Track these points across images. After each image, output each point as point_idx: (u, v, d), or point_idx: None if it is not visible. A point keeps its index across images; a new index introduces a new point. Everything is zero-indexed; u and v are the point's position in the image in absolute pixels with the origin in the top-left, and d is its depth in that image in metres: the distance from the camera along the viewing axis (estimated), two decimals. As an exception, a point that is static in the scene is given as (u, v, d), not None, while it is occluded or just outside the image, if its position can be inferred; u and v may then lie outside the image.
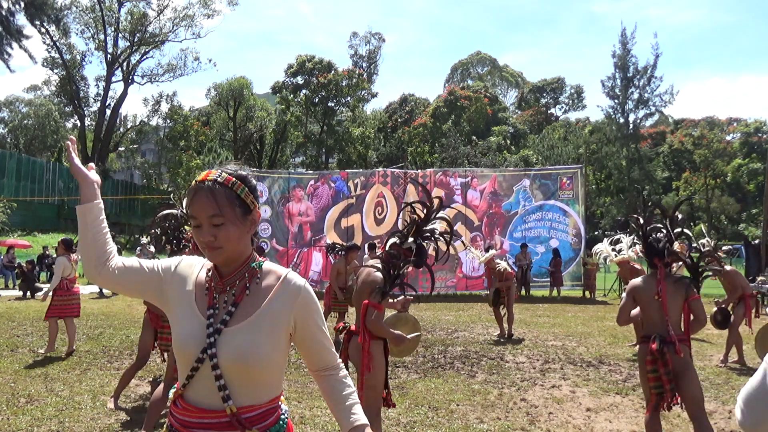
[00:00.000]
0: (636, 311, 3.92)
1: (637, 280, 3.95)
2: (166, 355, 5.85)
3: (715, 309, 7.61)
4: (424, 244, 3.78)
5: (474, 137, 43.08)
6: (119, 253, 1.78)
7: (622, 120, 39.78)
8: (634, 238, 6.80)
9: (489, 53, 67.24)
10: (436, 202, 3.82)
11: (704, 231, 7.67)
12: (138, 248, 16.31)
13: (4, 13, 35.75)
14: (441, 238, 3.77)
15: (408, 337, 3.73)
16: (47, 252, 19.78)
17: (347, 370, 1.82)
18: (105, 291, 15.54)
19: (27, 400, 5.51)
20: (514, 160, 39.47)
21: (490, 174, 18.08)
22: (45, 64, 43.47)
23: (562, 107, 58.01)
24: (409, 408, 5.40)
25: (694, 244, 7.79)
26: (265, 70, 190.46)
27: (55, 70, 44.50)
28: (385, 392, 3.75)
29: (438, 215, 3.79)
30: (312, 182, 17.33)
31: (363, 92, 46.43)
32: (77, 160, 1.69)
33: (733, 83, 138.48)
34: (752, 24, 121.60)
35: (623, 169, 40.39)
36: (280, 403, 1.68)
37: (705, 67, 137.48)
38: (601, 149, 42.48)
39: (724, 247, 7.87)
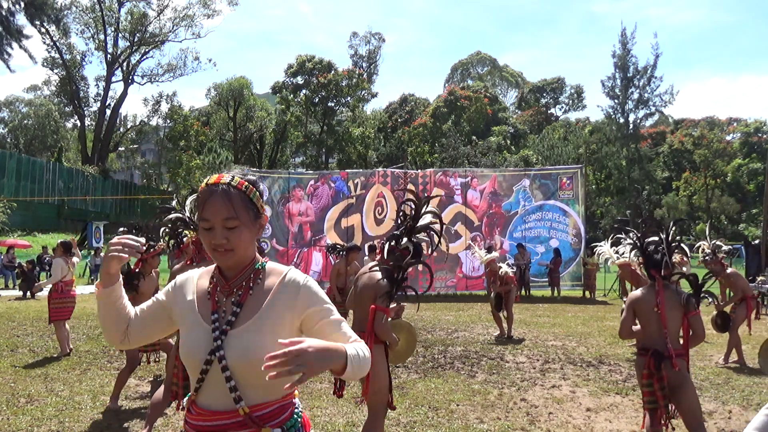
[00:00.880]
0: (637, 327, 3.92)
1: (636, 293, 3.97)
2: (152, 355, 5.82)
3: (714, 312, 7.61)
4: (420, 241, 3.83)
5: (474, 137, 43.08)
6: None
7: (622, 120, 39.78)
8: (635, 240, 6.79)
9: (489, 53, 67.33)
10: (428, 200, 3.87)
11: (706, 233, 7.65)
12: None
13: (4, 13, 35.75)
14: (432, 230, 3.80)
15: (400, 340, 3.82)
16: (46, 252, 19.78)
17: None
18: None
19: (27, 400, 5.51)
20: (514, 160, 39.46)
21: (490, 174, 18.07)
22: (45, 64, 43.52)
23: (562, 107, 58.05)
24: (409, 408, 5.39)
25: (698, 244, 7.80)
26: (265, 70, 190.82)
27: (55, 70, 44.54)
28: (389, 396, 3.77)
29: (428, 210, 3.81)
30: (312, 182, 17.32)
31: (363, 92, 46.47)
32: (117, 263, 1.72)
33: (733, 83, 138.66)
34: (752, 24, 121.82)
35: (623, 169, 40.38)
36: (293, 399, 1.69)
37: (705, 67, 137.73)
38: (601, 149, 42.47)
39: (723, 247, 7.83)
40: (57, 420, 4.93)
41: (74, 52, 43.28)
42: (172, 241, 5.08)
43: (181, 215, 4.73)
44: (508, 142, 45.48)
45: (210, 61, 65.48)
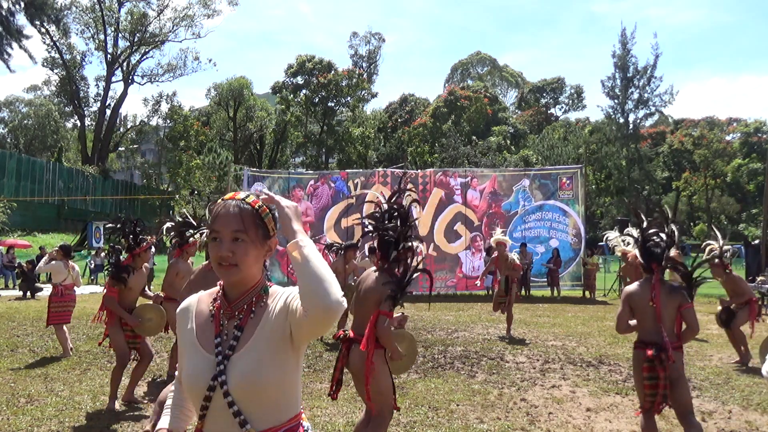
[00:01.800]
0: (634, 322, 3.93)
1: (631, 287, 3.98)
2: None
3: (720, 308, 7.62)
4: (411, 243, 3.86)
5: (474, 137, 43.07)
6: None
7: (622, 120, 39.77)
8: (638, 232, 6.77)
9: (489, 53, 67.35)
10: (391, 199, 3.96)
11: (717, 234, 7.55)
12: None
13: (4, 13, 35.75)
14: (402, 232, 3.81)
15: (404, 352, 3.80)
16: (44, 251, 19.76)
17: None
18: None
19: (27, 400, 5.51)
20: (514, 160, 39.45)
21: (490, 174, 18.08)
22: (45, 64, 43.52)
23: (562, 107, 58.03)
24: (409, 408, 5.40)
25: (706, 244, 7.75)
26: (265, 70, 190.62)
27: (55, 70, 44.55)
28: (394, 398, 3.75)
29: (394, 213, 3.85)
30: (312, 182, 17.32)
31: (363, 92, 46.47)
32: None
33: (733, 83, 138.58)
34: (752, 24, 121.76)
35: (623, 169, 40.37)
36: (301, 421, 1.67)
37: (705, 67, 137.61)
38: (601, 149, 42.45)
39: (726, 247, 7.80)
40: (57, 420, 4.93)
41: (74, 52, 43.30)
42: (174, 240, 5.10)
43: (188, 219, 4.76)
44: (508, 142, 45.47)
45: (210, 61, 65.45)
